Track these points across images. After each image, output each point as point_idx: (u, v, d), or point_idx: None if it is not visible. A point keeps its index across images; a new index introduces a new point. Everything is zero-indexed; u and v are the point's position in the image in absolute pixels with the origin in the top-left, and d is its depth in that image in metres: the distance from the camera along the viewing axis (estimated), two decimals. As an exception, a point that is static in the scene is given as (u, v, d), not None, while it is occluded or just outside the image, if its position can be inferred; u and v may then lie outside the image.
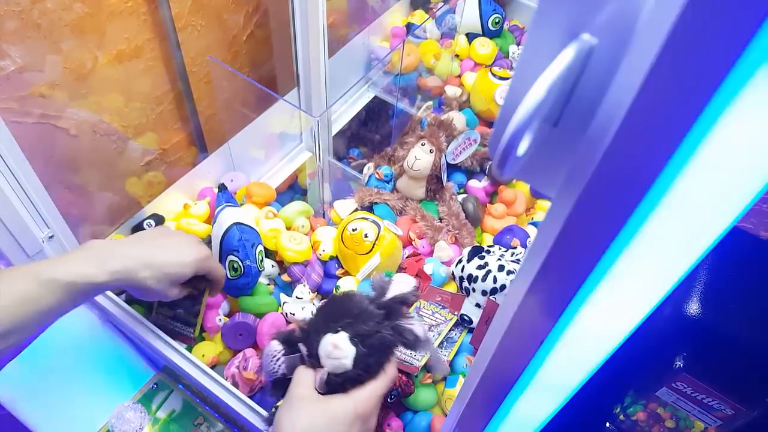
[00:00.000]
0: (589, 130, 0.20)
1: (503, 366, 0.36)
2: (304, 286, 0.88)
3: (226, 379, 0.77)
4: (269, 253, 0.92)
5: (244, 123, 1.00)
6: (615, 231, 0.23)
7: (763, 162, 0.22)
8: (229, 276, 0.80)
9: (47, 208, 0.73)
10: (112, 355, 0.85)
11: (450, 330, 0.84)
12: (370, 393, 0.55)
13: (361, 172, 1.07)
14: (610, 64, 0.19)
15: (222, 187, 0.91)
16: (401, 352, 0.78)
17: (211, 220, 0.95)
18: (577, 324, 0.32)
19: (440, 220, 0.99)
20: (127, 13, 0.76)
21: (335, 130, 1.13)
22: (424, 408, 0.80)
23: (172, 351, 0.78)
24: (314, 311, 0.63)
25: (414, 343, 0.58)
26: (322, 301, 0.73)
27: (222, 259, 0.80)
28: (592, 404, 0.96)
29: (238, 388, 0.76)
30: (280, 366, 0.60)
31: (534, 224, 1.01)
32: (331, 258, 0.91)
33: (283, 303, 0.85)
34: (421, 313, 0.86)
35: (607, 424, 1.00)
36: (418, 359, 0.76)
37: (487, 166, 1.08)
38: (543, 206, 1.06)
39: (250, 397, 0.76)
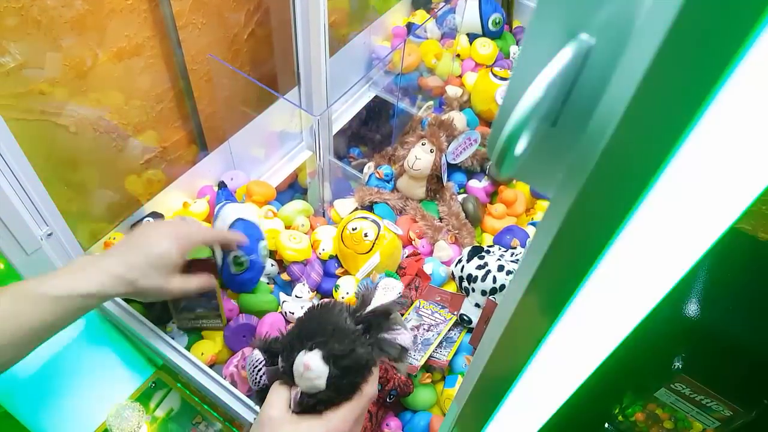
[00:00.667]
0: (587, 130, 0.20)
1: (502, 366, 0.36)
2: (304, 285, 0.88)
3: (224, 378, 0.77)
4: (270, 253, 0.92)
5: (244, 121, 1.00)
6: (613, 231, 0.23)
7: (762, 162, 0.22)
8: (233, 271, 0.80)
9: (46, 206, 0.73)
10: (110, 353, 0.85)
11: (449, 330, 0.84)
12: (344, 415, 0.52)
13: (361, 171, 1.07)
14: (608, 64, 0.19)
15: (222, 185, 0.91)
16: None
17: (210, 218, 0.95)
18: (576, 324, 0.32)
19: (440, 219, 0.99)
20: (128, 10, 0.76)
21: (336, 129, 1.13)
22: (423, 408, 0.80)
23: (170, 349, 0.78)
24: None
25: (399, 355, 0.55)
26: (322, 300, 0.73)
27: (226, 254, 0.80)
28: (591, 405, 0.96)
29: (236, 386, 0.76)
30: (261, 377, 0.58)
31: (534, 224, 1.01)
32: (331, 257, 0.91)
33: (283, 302, 0.85)
34: (420, 312, 0.86)
35: (606, 425, 1.00)
36: (417, 359, 0.76)
37: (488, 166, 1.08)
38: (543, 206, 1.06)
39: (249, 396, 0.76)
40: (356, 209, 0.99)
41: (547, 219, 0.24)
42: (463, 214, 0.99)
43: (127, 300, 0.83)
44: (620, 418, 0.98)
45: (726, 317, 0.78)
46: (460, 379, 0.80)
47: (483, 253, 0.87)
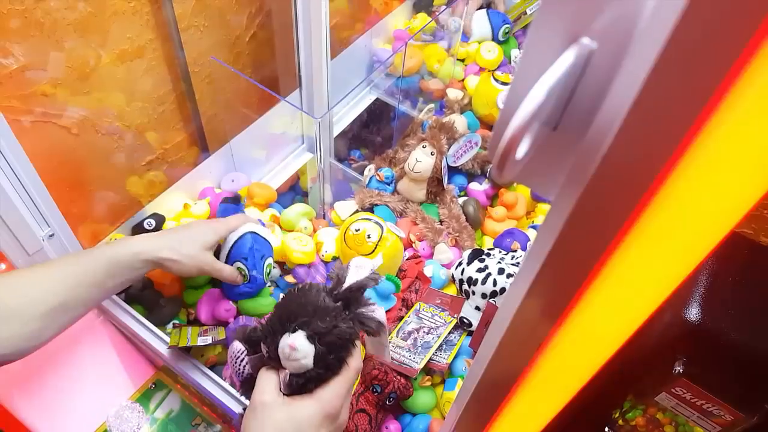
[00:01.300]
0: (588, 134, 0.20)
1: (501, 369, 0.36)
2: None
3: (224, 380, 0.77)
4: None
5: (245, 124, 1.01)
6: (614, 234, 0.23)
7: (763, 166, 0.22)
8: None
9: (48, 207, 0.73)
10: (110, 354, 0.85)
11: (449, 333, 0.84)
12: (334, 390, 0.54)
13: (362, 173, 1.07)
14: (609, 68, 0.19)
15: (236, 201, 0.91)
16: (399, 355, 0.78)
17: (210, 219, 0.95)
18: (576, 328, 0.32)
19: (441, 222, 0.99)
20: (130, 12, 0.76)
21: (337, 131, 1.13)
22: (423, 411, 0.80)
23: (168, 350, 0.78)
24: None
25: (377, 329, 0.56)
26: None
27: (229, 262, 0.80)
28: (591, 409, 0.96)
29: (236, 388, 0.76)
30: (244, 367, 0.58)
31: (534, 227, 1.01)
32: (334, 259, 0.91)
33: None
34: (420, 315, 0.86)
35: (606, 429, 1.00)
36: (417, 362, 0.76)
37: (488, 169, 1.08)
38: (544, 209, 1.06)
39: (249, 398, 0.76)
40: (357, 211, 0.99)
41: (548, 222, 0.24)
42: (464, 217, 0.99)
43: (128, 301, 0.83)
44: (621, 422, 0.98)
45: (727, 321, 0.78)
46: (460, 382, 0.80)
47: (483, 256, 0.87)
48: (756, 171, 0.23)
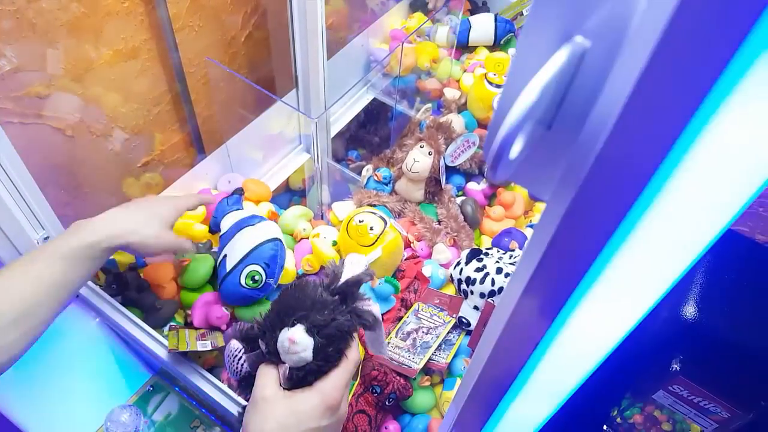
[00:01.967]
0: (582, 133, 0.20)
1: (500, 368, 0.36)
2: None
3: (222, 382, 0.77)
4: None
5: (242, 124, 1.00)
6: (609, 233, 0.23)
7: (757, 164, 0.22)
8: (244, 284, 0.78)
9: (42, 210, 0.73)
10: (108, 357, 0.85)
11: (448, 332, 0.84)
12: (334, 382, 0.54)
13: (359, 174, 1.07)
14: (602, 67, 0.19)
15: (239, 192, 0.90)
16: (398, 355, 0.78)
17: (208, 221, 0.95)
18: (574, 326, 0.31)
19: (439, 222, 0.99)
20: (124, 13, 0.76)
21: (334, 131, 1.13)
22: (422, 411, 0.80)
23: (168, 353, 0.78)
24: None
25: (373, 324, 0.57)
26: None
27: (241, 263, 0.78)
28: (589, 407, 0.96)
29: (234, 390, 0.76)
30: (242, 365, 0.59)
31: (532, 227, 1.01)
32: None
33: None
34: (419, 315, 0.86)
35: (605, 427, 1.00)
36: (416, 362, 0.76)
37: (486, 169, 1.08)
38: (541, 209, 1.06)
39: (247, 400, 0.76)
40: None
41: (544, 222, 0.24)
42: (462, 217, 0.99)
43: (125, 304, 0.83)
44: (618, 420, 0.98)
45: (724, 320, 0.78)
46: (458, 381, 0.80)
47: (481, 256, 0.87)
48: (750, 169, 0.23)
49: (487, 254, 0.88)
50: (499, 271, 0.84)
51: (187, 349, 0.73)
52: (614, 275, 0.27)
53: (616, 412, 0.97)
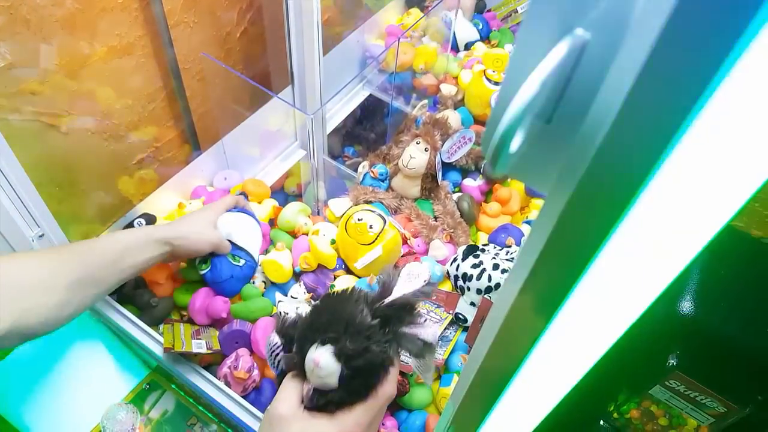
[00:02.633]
0: (582, 127, 0.20)
1: (497, 364, 0.36)
2: (300, 285, 0.87)
3: (218, 379, 0.77)
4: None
5: (237, 121, 1.00)
6: (608, 228, 0.23)
7: (758, 160, 0.22)
8: (233, 262, 0.82)
9: (37, 207, 0.72)
10: (104, 354, 0.85)
11: (445, 329, 0.84)
12: (357, 418, 0.49)
13: (356, 170, 1.06)
14: (603, 60, 0.19)
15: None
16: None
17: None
18: (571, 322, 0.31)
19: (435, 218, 0.99)
20: (119, 9, 0.75)
21: (330, 128, 1.12)
22: (419, 407, 0.80)
23: (165, 353, 0.78)
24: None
25: (421, 351, 0.50)
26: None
27: (222, 256, 0.82)
28: (586, 402, 0.96)
29: (230, 387, 0.76)
30: (278, 362, 0.55)
31: (529, 223, 1.01)
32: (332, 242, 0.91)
33: (278, 302, 0.85)
34: (415, 311, 0.86)
35: (601, 422, 1.00)
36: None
37: (482, 165, 1.08)
38: (538, 205, 1.06)
39: (243, 397, 0.76)
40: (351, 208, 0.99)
41: (542, 217, 0.24)
42: (458, 213, 0.99)
43: (121, 302, 0.82)
44: (615, 415, 0.99)
45: (720, 315, 0.78)
46: (455, 377, 0.80)
47: (478, 252, 0.87)
48: (750, 164, 0.23)
49: (483, 250, 0.88)
50: (495, 267, 0.84)
51: (182, 350, 0.73)
52: (613, 270, 0.27)
53: (612, 407, 0.98)
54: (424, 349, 0.50)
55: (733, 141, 0.22)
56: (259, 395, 0.78)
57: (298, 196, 1.14)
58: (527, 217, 1.04)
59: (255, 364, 0.77)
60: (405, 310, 0.51)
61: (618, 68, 0.18)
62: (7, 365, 0.80)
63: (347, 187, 1.03)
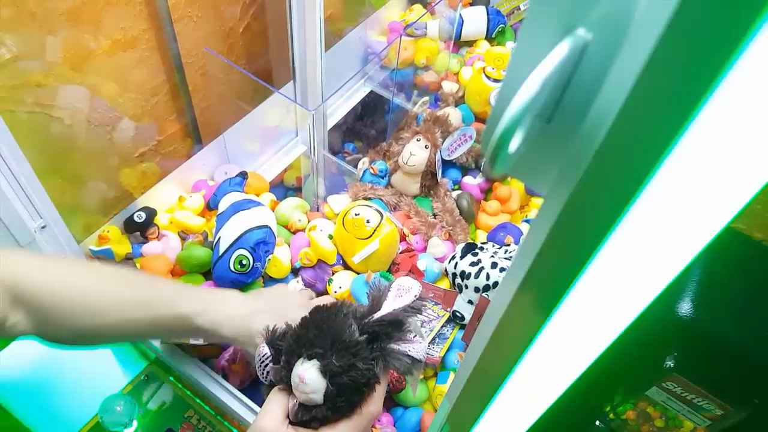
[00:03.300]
0: (582, 127, 0.20)
1: (493, 363, 0.36)
2: (298, 282, 0.88)
3: (216, 372, 0.77)
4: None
5: (239, 115, 1.00)
6: (607, 229, 0.23)
7: (759, 161, 0.22)
8: (233, 268, 0.79)
9: (40, 198, 0.73)
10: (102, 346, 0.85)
11: (442, 326, 0.84)
12: None
13: (355, 166, 1.07)
14: (605, 60, 0.19)
15: (243, 175, 0.90)
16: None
17: (205, 213, 0.95)
18: (568, 322, 0.32)
19: (434, 216, 0.99)
20: (123, 2, 0.75)
21: (331, 124, 1.12)
22: (415, 404, 0.80)
23: (162, 343, 0.78)
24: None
25: (408, 369, 0.49)
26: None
27: (232, 247, 0.80)
28: (582, 402, 0.96)
29: (228, 380, 0.76)
30: (267, 373, 0.55)
31: (528, 222, 1.01)
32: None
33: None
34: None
35: (597, 423, 1.00)
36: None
37: (482, 163, 1.08)
38: (537, 204, 1.07)
39: (241, 390, 0.76)
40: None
41: (541, 216, 0.24)
42: (458, 211, 0.99)
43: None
44: (611, 416, 0.99)
45: (719, 317, 0.78)
46: (452, 375, 0.80)
47: (477, 250, 0.87)
48: (752, 165, 0.23)
49: (482, 249, 0.88)
50: (494, 265, 0.84)
51: (180, 341, 0.74)
52: (611, 271, 0.28)
53: (609, 408, 0.98)
54: (411, 366, 0.50)
55: (735, 142, 0.22)
56: (256, 388, 0.78)
57: (297, 190, 1.14)
58: (526, 216, 1.04)
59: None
60: (393, 326, 0.50)
61: (619, 69, 0.18)
62: (6, 356, 0.80)
63: (347, 183, 1.04)
